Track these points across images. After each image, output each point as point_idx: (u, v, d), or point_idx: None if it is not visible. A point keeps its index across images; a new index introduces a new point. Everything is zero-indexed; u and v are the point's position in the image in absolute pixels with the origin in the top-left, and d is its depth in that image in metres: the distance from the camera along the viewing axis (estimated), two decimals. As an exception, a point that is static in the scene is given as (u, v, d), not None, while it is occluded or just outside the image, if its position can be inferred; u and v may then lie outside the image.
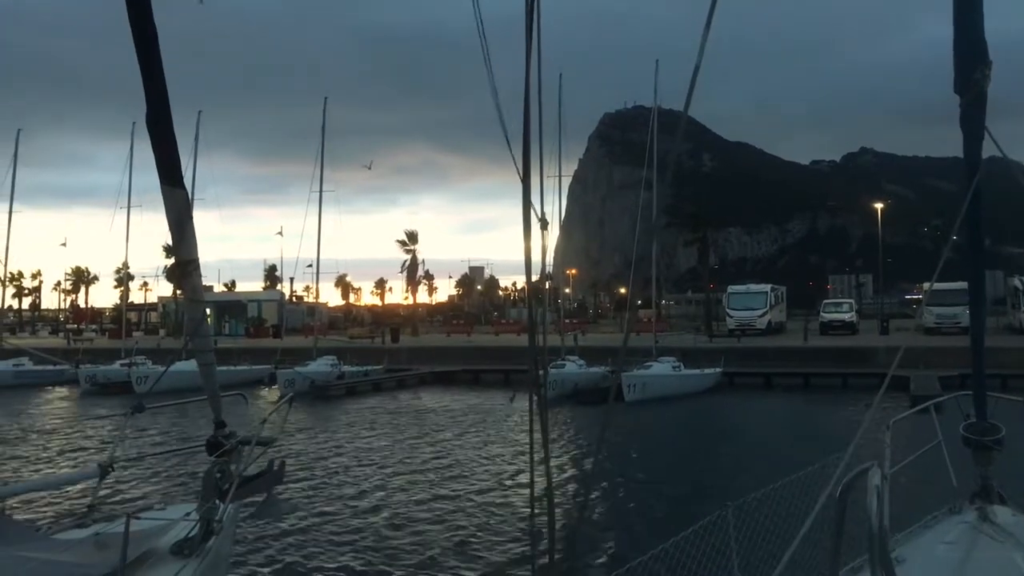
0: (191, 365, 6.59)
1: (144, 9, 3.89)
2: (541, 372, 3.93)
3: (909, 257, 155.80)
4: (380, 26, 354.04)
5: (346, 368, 39.69)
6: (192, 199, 41.19)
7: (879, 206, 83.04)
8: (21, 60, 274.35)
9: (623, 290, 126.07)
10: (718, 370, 35.33)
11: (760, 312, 55.94)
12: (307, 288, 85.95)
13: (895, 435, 5.58)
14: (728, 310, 57.70)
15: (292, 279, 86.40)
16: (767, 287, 60.41)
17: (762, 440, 23.78)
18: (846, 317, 55.02)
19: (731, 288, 61.64)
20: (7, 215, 45.90)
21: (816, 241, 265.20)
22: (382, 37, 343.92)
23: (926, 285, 39.06)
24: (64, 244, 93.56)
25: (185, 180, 4.99)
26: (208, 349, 6.11)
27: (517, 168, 3.43)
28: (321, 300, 78.99)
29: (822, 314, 56.24)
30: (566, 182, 46.30)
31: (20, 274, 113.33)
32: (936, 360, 30.46)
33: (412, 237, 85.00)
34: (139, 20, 3.90)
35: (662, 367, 33.32)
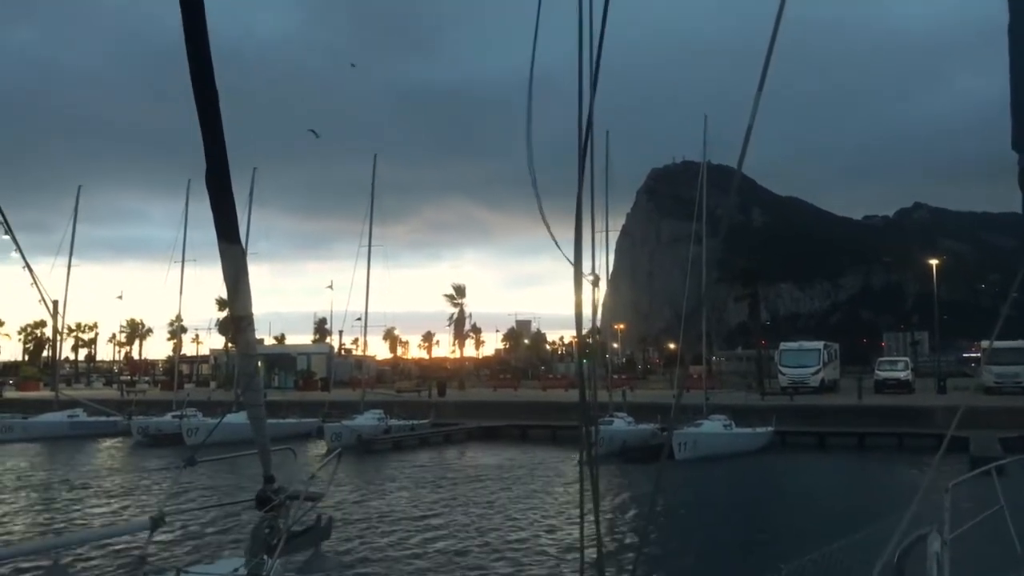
0: (241, 418, 6.65)
1: (206, 72, 4.01)
2: (591, 430, 3.89)
3: (966, 314, 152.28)
4: (421, 85, 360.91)
5: (393, 422, 39.71)
6: (246, 254, 42.00)
7: (934, 262, 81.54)
8: (77, 119, 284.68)
9: (672, 345, 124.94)
10: (770, 429, 34.68)
11: (813, 369, 54.97)
12: (355, 341, 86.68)
13: (954, 499, 5.40)
14: (780, 367, 56.81)
15: (341, 332, 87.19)
16: (820, 344, 59.45)
17: (816, 501, 23.20)
18: (901, 375, 53.84)
19: (783, 345, 60.76)
20: (65, 268, 47.00)
21: (870, 297, 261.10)
22: (422, 96, 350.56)
23: (985, 343, 38.08)
24: (120, 297, 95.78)
25: (240, 236, 5.09)
26: (259, 403, 6.16)
27: (551, 235, 3.44)
28: (369, 353, 79.59)
29: (877, 372, 55.09)
30: (613, 236, 46.37)
31: (78, 326, 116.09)
32: (996, 421, 29.64)
33: (460, 291, 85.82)
34: (202, 82, 4.02)
35: (713, 425, 32.81)
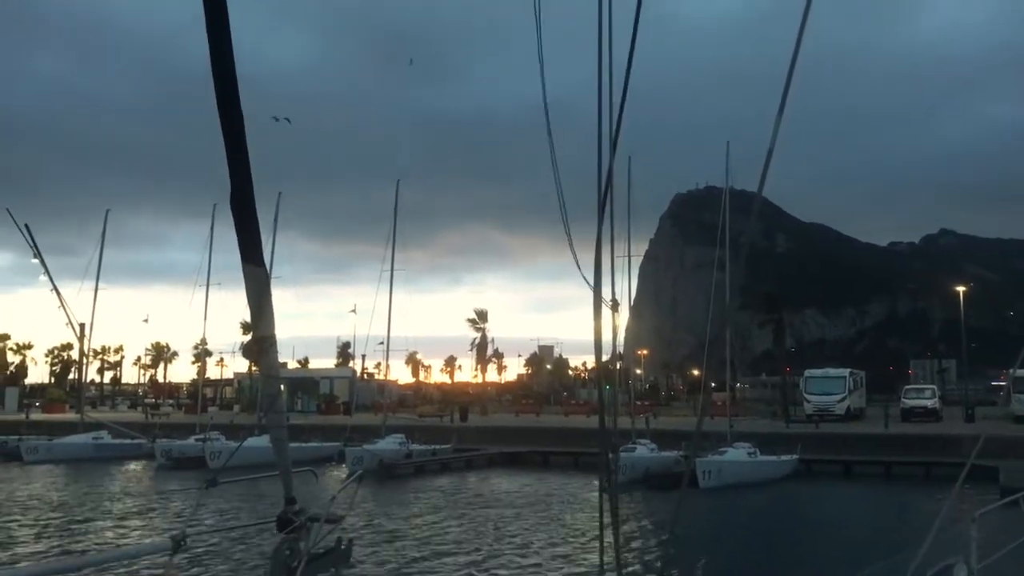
0: (263, 441, 6.68)
1: (232, 98, 4.08)
2: (611, 457, 3.87)
3: (994, 342, 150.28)
4: (438, 111, 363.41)
5: (414, 447, 39.65)
6: (270, 277, 42.30)
7: (961, 289, 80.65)
8: (102, 144, 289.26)
9: (696, 371, 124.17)
10: (795, 457, 34.32)
11: (839, 397, 54.39)
12: (378, 365, 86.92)
13: (982, 528, 5.32)
14: (805, 395, 56.26)
15: (364, 356, 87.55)
16: (846, 371, 58.87)
17: (841, 531, 22.88)
18: (929, 403, 53.16)
19: (808, 372, 60.20)
20: (92, 292, 47.46)
21: (896, 324, 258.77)
22: (440, 122, 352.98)
23: (1013, 371, 37.61)
24: (146, 320, 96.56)
25: (263, 258, 5.14)
26: (281, 425, 6.19)
27: (574, 256, 3.45)
28: (391, 377, 79.63)
29: (903, 400, 54.43)
30: (636, 262, 46.27)
31: (104, 349, 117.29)
32: (1027, 450, 29.13)
33: (482, 315, 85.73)
34: (227, 108, 4.09)
35: (737, 453, 32.50)
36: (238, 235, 4.58)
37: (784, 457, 33.88)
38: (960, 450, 34.74)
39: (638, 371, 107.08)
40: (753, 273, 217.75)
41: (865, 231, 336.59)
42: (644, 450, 34.19)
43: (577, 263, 3.56)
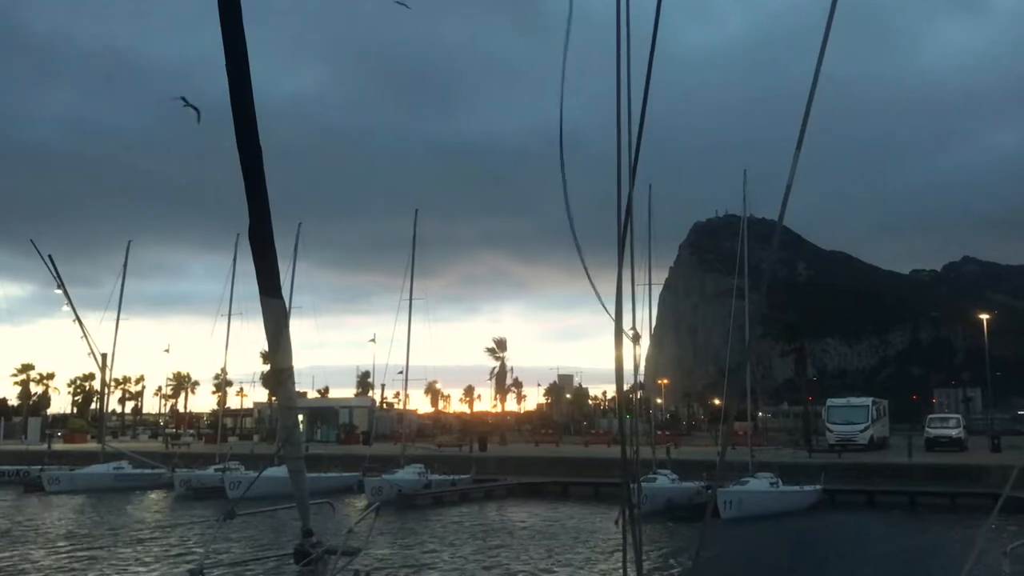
0: (282, 471, 6.66)
1: (251, 133, 4.12)
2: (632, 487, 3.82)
3: (1019, 370, 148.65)
4: (450, 141, 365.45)
5: (434, 477, 39.50)
6: (290, 308, 42.48)
7: (985, 317, 79.91)
8: (122, 177, 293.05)
9: (717, 401, 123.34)
10: (818, 487, 33.91)
11: (861, 426, 53.80)
12: (397, 395, 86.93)
13: (1015, 562, 5.21)
14: (828, 424, 55.71)
15: (383, 385, 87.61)
16: (868, 400, 58.25)
17: (867, 563, 22.51)
18: (953, 433, 52.46)
19: (831, 401, 59.63)
20: (113, 322, 47.80)
21: (919, 353, 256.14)
22: (452, 151, 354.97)
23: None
24: (168, 350, 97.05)
25: (284, 290, 5.15)
26: (299, 456, 6.18)
27: (595, 289, 3.43)
28: (411, 407, 79.67)
29: (927, 429, 53.74)
30: (656, 291, 46.15)
31: (125, 379, 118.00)
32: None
33: (501, 344, 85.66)
34: (246, 142, 4.13)
35: (759, 483, 32.18)
36: (256, 267, 4.61)
37: (807, 487, 33.48)
38: (987, 480, 34.23)
39: (659, 400, 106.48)
40: (774, 302, 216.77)
41: (886, 259, 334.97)
42: (665, 480, 33.90)
43: (598, 296, 3.53)
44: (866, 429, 53.70)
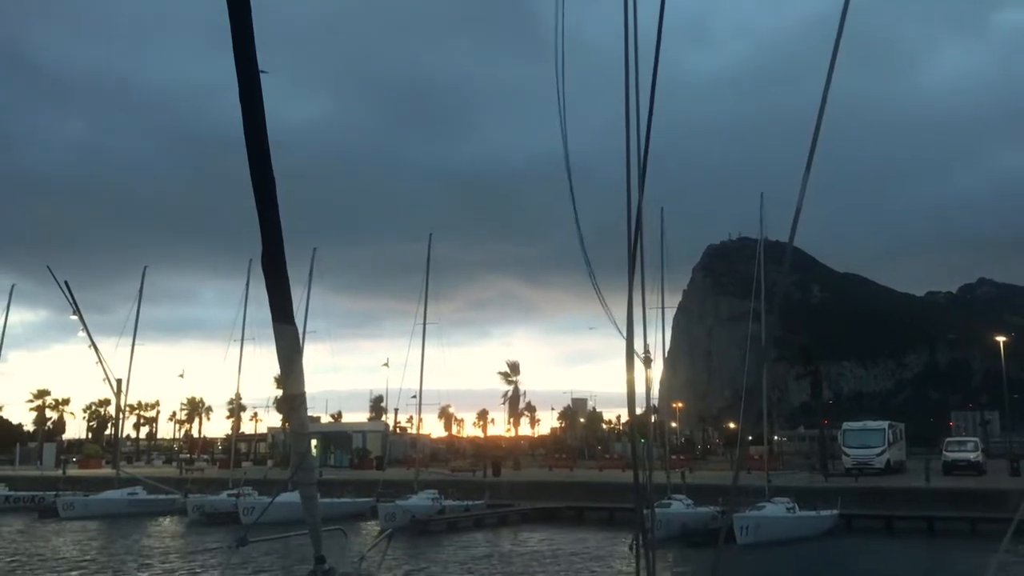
0: (296, 497, 6.65)
1: (264, 161, 4.14)
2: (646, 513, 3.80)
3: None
4: (459, 167, 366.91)
5: (447, 502, 39.36)
6: (304, 333, 42.65)
7: (1002, 339, 79.19)
8: (132, 204, 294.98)
9: (732, 425, 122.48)
10: (835, 512, 33.57)
11: (878, 450, 53.30)
12: (410, 419, 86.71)
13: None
14: (844, 448, 55.20)
15: (396, 410, 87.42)
16: (885, 423, 57.75)
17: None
18: (971, 456, 51.90)
19: (847, 425, 59.12)
20: (127, 348, 47.97)
21: (936, 376, 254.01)
22: (461, 177, 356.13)
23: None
24: (182, 375, 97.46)
25: (298, 315, 5.17)
26: (311, 482, 6.16)
27: (608, 312, 3.42)
28: (424, 431, 79.42)
29: (945, 453, 53.19)
30: (669, 314, 46.01)
31: (140, 404, 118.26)
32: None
33: (514, 368, 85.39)
34: (259, 170, 4.16)
35: (775, 508, 31.90)
36: (269, 294, 4.62)
37: (823, 512, 33.16)
38: (1007, 505, 33.78)
39: (673, 424, 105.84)
40: (789, 325, 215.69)
41: (901, 281, 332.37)
42: (680, 505, 33.64)
43: (612, 319, 3.54)
44: (883, 453, 53.20)
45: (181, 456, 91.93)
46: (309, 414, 5.91)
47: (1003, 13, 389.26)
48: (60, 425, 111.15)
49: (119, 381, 46.79)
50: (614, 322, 3.53)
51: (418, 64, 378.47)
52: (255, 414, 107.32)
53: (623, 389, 3.66)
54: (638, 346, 3.73)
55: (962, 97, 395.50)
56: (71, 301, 44.29)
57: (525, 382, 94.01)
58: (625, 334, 3.74)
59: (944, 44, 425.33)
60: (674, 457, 58.57)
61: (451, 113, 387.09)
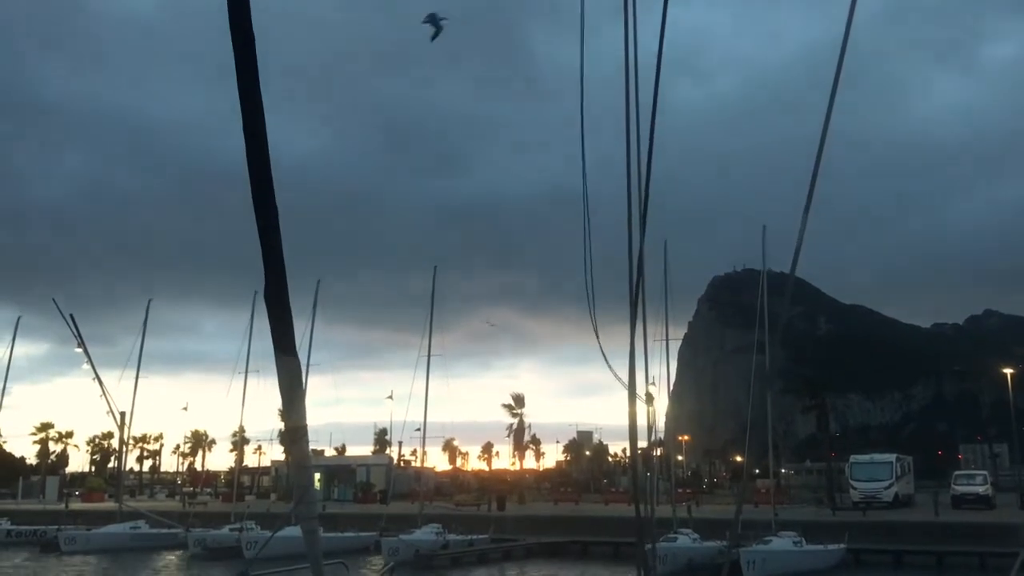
0: (298, 531, 6.61)
1: (267, 194, 4.17)
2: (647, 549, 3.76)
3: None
4: (455, 199, 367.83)
5: (451, 536, 39.04)
6: (308, 365, 42.66)
7: (1009, 371, 78.76)
8: (134, 237, 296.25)
9: (739, 458, 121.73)
10: (843, 546, 33.27)
11: (886, 483, 52.91)
12: (415, 452, 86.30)
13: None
14: (851, 481, 54.82)
15: (400, 443, 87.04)
16: (892, 456, 57.37)
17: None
18: (980, 490, 51.48)
19: (854, 458, 58.77)
20: (131, 380, 47.94)
21: (943, 408, 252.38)
22: (457, 209, 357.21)
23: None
24: (186, 408, 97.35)
25: (302, 347, 5.17)
26: (313, 516, 6.12)
27: (606, 359, 3.42)
28: (428, 464, 78.94)
29: (954, 486, 52.77)
30: (674, 347, 45.84)
31: (143, 437, 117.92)
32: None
33: (518, 400, 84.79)
34: (262, 203, 4.18)
35: (782, 542, 31.62)
36: (271, 326, 4.62)
37: (831, 546, 32.88)
38: (1018, 539, 33.40)
39: (680, 457, 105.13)
40: (795, 357, 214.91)
41: (907, 312, 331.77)
42: (686, 540, 33.34)
43: (610, 366, 3.52)
44: (891, 486, 52.81)
45: (184, 489, 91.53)
46: (313, 447, 5.89)
47: None
48: (63, 458, 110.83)
49: (123, 414, 46.75)
50: (616, 374, 3.53)
51: (418, 101, 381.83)
52: (259, 447, 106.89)
53: (628, 422, 3.63)
54: (640, 385, 3.71)
55: (959, 128, 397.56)
56: (76, 334, 44.38)
57: (530, 414, 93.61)
58: (626, 382, 3.73)
59: (936, 75, 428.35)
60: (680, 491, 58.18)
61: (453, 149, 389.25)
